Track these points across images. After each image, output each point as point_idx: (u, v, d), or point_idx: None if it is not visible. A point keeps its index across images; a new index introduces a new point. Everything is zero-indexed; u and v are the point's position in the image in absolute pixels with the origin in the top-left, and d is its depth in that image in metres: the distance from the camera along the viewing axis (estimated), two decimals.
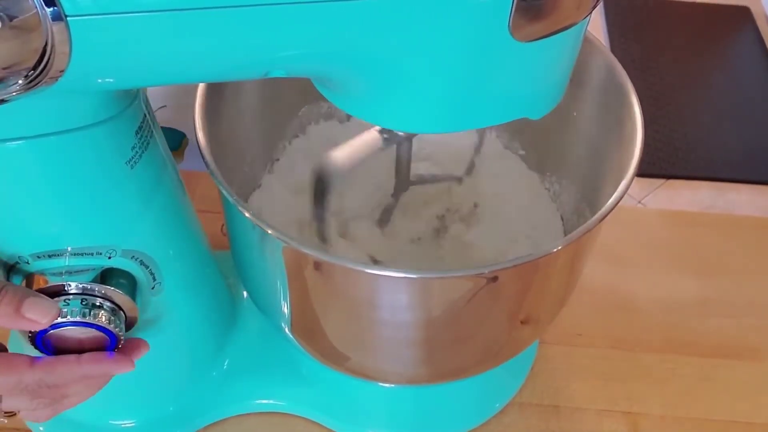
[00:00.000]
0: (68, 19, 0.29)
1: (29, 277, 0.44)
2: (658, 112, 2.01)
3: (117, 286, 0.44)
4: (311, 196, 0.47)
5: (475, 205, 0.59)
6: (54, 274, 0.43)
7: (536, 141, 0.60)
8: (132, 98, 0.42)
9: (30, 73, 0.31)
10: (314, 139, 0.62)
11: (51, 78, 0.31)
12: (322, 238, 0.53)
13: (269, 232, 0.41)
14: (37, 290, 0.43)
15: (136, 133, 0.43)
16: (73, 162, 0.40)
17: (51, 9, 0.29)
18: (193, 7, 0.30)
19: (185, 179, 0.52)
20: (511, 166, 0.61)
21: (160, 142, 0.46)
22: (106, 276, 0.44)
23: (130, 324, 0.46)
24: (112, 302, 0.44)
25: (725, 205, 1.84)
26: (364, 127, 0.62)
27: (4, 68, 0.30)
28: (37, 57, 0.30)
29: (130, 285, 0.46)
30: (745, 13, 2.34)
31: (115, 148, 0.42)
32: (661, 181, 1.89)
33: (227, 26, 0.31)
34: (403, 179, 0.52)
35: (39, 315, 0.40)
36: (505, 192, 0.59)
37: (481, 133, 0.62)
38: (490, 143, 0.62)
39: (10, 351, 0.44)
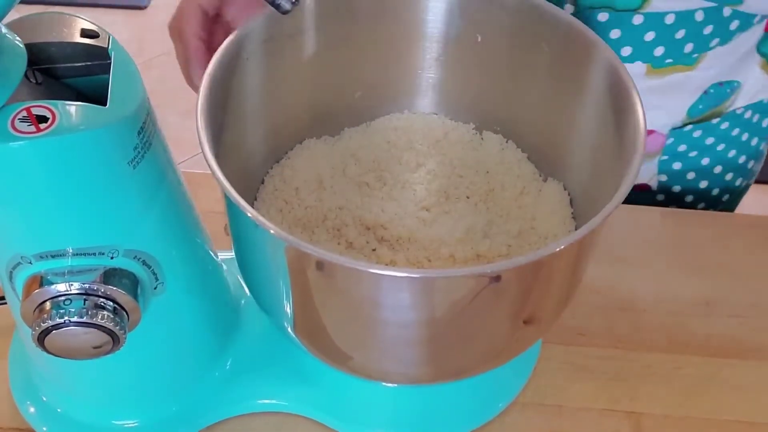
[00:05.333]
0: None
1: (32, 278, 0.44)
2: None
3: (119, 286, 0.44)
4: None
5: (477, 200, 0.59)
6: (56, 274, 0.44)
7: (538, 141, 0.60)
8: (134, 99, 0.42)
9: None
10: (317, 138, 0.62)
11: None
12: None
13: (271, 231, 0.41)
14: (37, 291, 0.43)
15: (138, 133, 0.43)
16: (75, 162, 0.40)
17: None
18: None
19: (187, 179, 0.52)
20: (513, 161, 0.61)
21: (162, 141, 0.46)
22: (108, 276, 0.44)
23: (132, 324, 0.46)
24: (115, 302, 0.44)
25: None
26: (370, 134, 0.63)
27: None
28: None
29: (133, 285, 0.46)
30: None
31: (117, 149, 0.42)
32: None
33: None
34: None
35: None
36: (509, 186, 0.59)
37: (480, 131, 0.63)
38: (490, 140, 0.62)
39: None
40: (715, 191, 0.83)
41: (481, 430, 0.59)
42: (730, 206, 0.86)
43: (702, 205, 0.83)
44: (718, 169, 0.81)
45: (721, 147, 0.79)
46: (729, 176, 0.82)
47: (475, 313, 0.45)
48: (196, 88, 0.50)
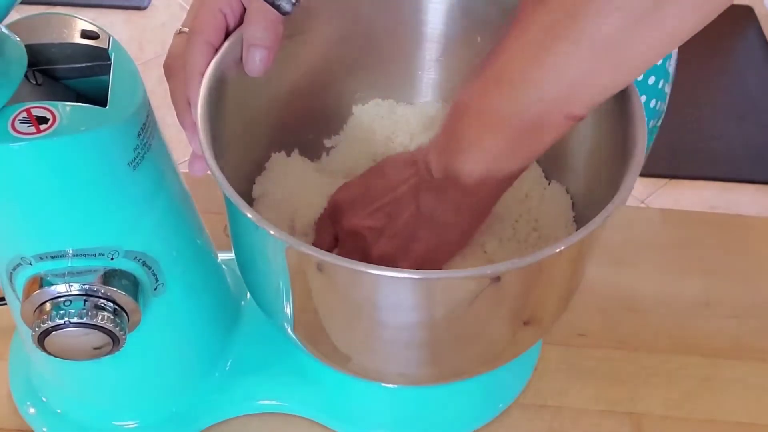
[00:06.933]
0: None
1: (32, 279, 0.44)
2: None
3: (119, 287, 0.44)
4: None
5: None
6: (57, 275, 0.44)
7: None
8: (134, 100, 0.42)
9: None
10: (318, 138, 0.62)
11: None
12: None
13: (271, 233, 0.41)
14: (37, 292, 0.43)
15: (139, 134, 0.43)
16: (75, 163, 0.40)
17: None
18: None
19: (187, 180, 0.52)
20: None
21: (162, 142, 0.46)
22: (108, 277, 0.44)
23: (132, 325, 0.46)
24: (115, 303, 0.44)
25: (729, 205, 1.84)
26: (365, 130, 0.62)
27: None
28: None
29: (133, 286, 0.46)
30: (748, 12, 2.34)
31: (117, 150, 0.42)
32: (665, 180, 1.89)
33: None
34: None
35: None
36: (512, 188, 0.59)
37: None
38: None
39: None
40: None
41: (481, 431, 0.59)
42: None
43: None
44: None
45: None
46: None
47: (475, 314, 0.45)
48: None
